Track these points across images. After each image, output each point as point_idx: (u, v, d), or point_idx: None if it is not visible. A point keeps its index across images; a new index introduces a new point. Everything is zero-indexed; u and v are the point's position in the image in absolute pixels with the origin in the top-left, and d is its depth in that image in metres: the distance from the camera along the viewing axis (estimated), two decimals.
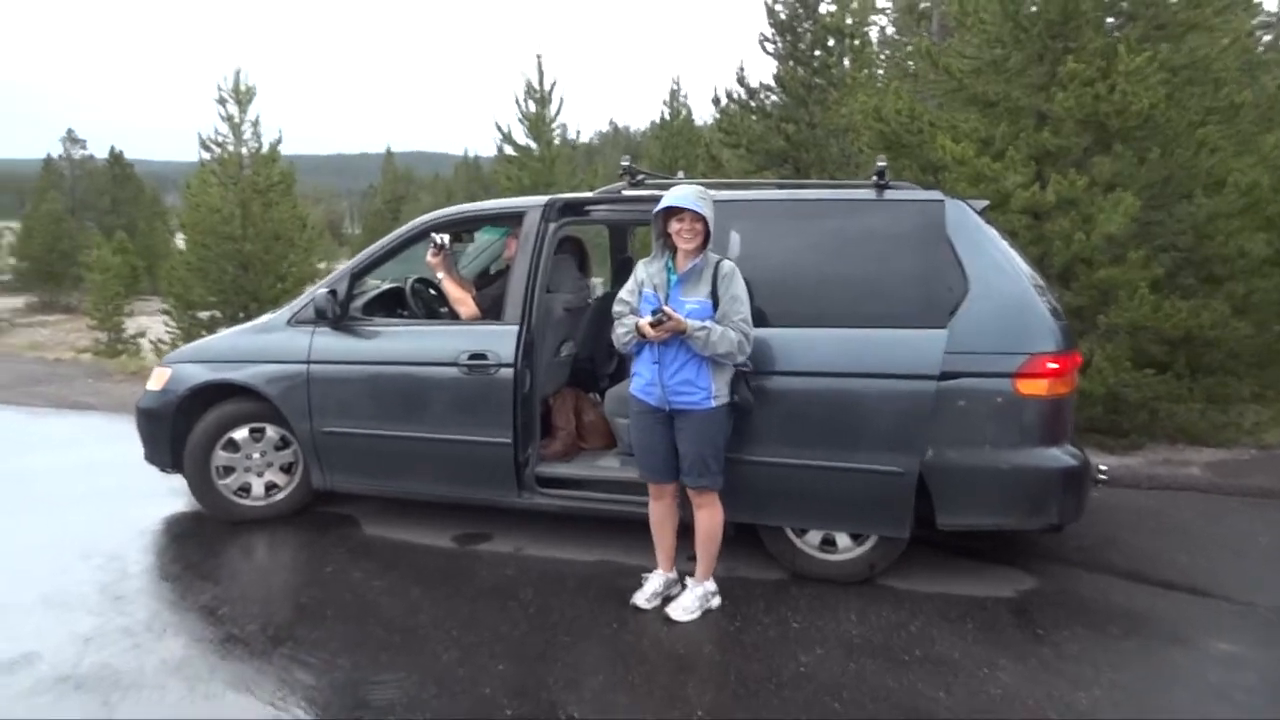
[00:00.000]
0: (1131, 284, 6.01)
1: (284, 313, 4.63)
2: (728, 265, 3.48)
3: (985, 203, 4.07)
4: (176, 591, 3.82)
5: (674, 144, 19.80)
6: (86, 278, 20.85)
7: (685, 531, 3.70)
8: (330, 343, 4.42)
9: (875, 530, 3.82)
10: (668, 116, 19.96)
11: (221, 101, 13.40)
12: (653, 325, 3.32)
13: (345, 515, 4.79)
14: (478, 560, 4.19)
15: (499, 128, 13.62)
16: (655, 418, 3.54)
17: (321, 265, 14.82)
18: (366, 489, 4.53)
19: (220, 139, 13.40)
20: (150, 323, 16.71)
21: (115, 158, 43.63)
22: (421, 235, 4.48)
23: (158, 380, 4.73)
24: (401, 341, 4.36)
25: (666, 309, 3.32)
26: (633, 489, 3.94)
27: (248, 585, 3.93)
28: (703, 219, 3.39)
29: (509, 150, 13.71)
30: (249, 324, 4.86)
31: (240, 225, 13.18)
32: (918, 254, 3.71)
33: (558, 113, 13.52)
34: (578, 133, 14.10)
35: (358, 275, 4.51)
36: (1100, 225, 5.98)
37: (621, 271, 5.28)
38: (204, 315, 13.09)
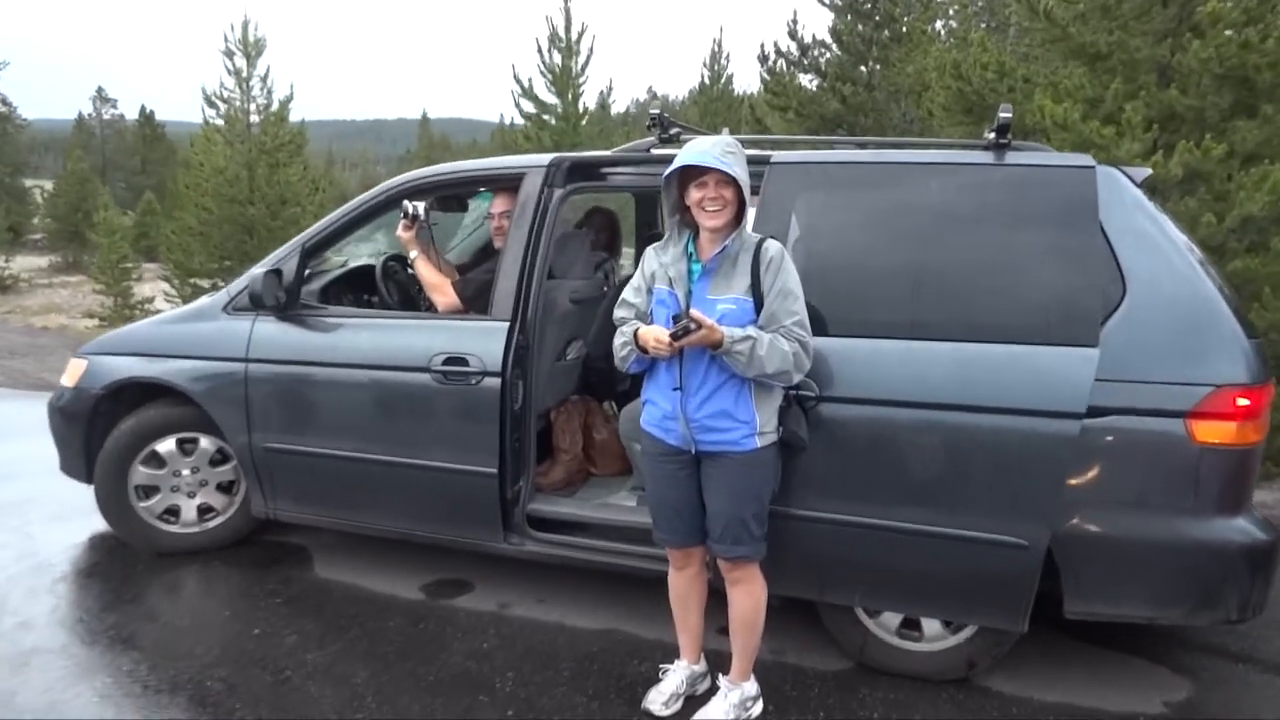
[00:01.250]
0: (1275, 279, 4.89)
1: (220, 296, 3.68)
2: (773, 247, 2.46)
3: (1147, 172, 2.98)
4: (31, 664, 2.92)
5: (713, 109, 18.64)
6: (93, 239, 20.21)
7: (717, 597, 2.73)
8: (274, 336, 3.47)
9: (980, 619, 2.81)
10: (708, 80, 18.75)
11: (229, 54, 12.50)
12: (674, 337, 2.33)
13: (296, 548, 3.87)
14: (450, 623, 3.25)
15: (518, 80, 12.24)
16: (676, 463, 2.56)
17: None
18: (317, 521, 3.60)
19: (227, 94, 12.51)
20: (156, 290, 16.01)
21: (145, 118, 43.07)
22: (392, 203, 3.50)
23: (71, 374, 3.82)
24: (363, 337, 3.40)
25: (693, 313, 2.32)
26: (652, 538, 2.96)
27: (147, 652, 3.01)
28: (734, 182, 2.38)
29: (528, 106, 12.42)
30: (181, 309, 3.91)
31: (246, 188, 12.32)
32: (1058, 241, 2.66)
33: (585, 65, 12.12)
34: (608, 92, 12.65)
35: (311, 251, 3.54)
36: (1240, 205, 4.85)
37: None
38: (205, 283, 12.26)
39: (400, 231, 3.44)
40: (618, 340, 2.54)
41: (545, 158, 3.34)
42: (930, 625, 2.91)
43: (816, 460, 2.70)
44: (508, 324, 3.18)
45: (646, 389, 2.63)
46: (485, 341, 3.18)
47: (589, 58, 12.23)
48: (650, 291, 2.52)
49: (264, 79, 12.60)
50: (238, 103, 12.34)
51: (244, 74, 12.41)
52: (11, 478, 4.66)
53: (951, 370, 2.67)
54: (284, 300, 3.42)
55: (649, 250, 2.62)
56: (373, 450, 3.35)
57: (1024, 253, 2.68)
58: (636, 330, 2.45)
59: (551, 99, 11.97)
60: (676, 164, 2.41)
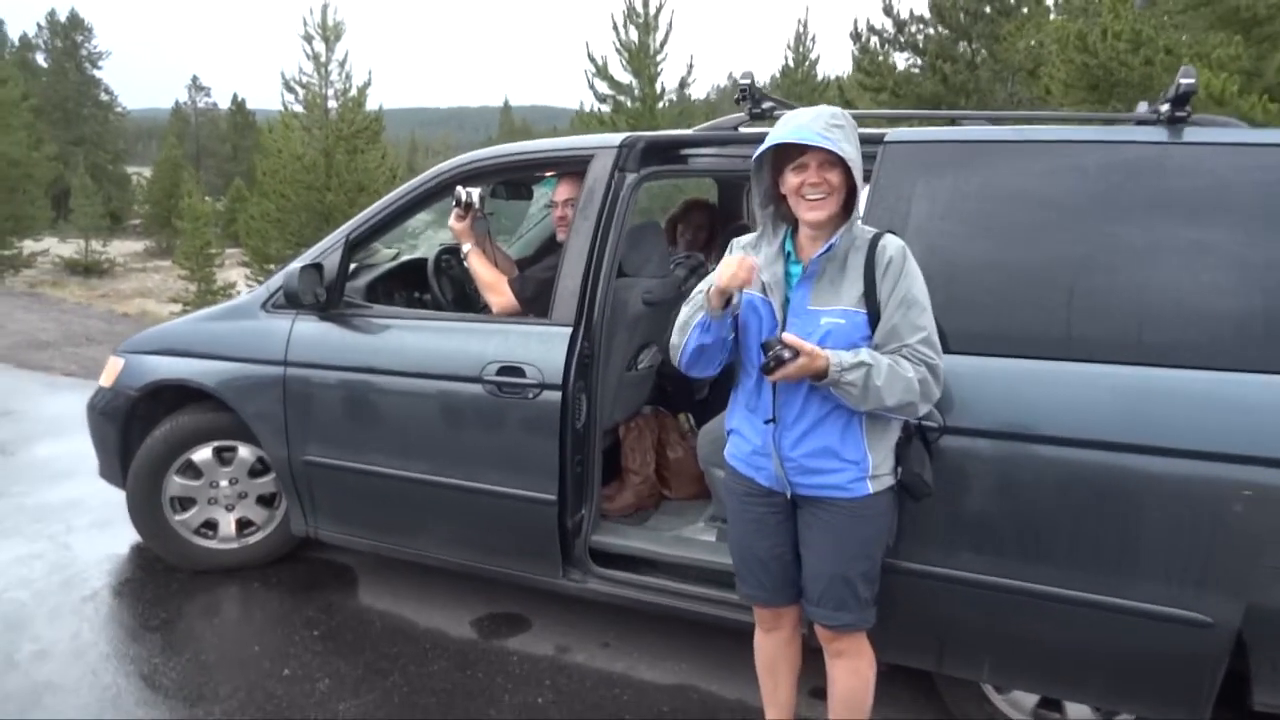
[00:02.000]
0: None
1: (260, 292, 3.36)
2: (892, 244, 1.97)
3: None
4: (43, 702, 2.63)
5: (796, 93, 17.91)
6: (178, 226, 20.65)
7: (814, 657, 2.27)
8: (314, 338, 3.12)
9: (1143, 708, 2.26)
10: (791, 63, 18.00)
11: (307, 39, 12.41)
12: (765, 370, 1.86)
13: (341, 568, 3.54)
14: (501, 670, 2.85)
15: (591, 58, 11.66)
16: (767, 505, 2.09)
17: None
18: (360, 544, 3.25)
19: (305, 80, 12.43)
20: (239, 276, 16.19)
21: (237, 106, 44.25)
22: (444, 190, 3.11)
23: (109, 373, 3.56)
24: (409, 341, 3.01)
25: (787, 337, 1.84)
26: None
27: (166, 694, 2.70)
28: (841, 163, 1.89)
29: (603, 86, 11.85)
30: (221, 305, 3.60)
31: (324, 174, 12.23)
32: (1258, 239, 2.09)
33: (664, 42, 11.45)
34: (689, 72, 11.85)
35: (355, 244, 3.18)
36: None
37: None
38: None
39: (453, 221, 3.05)
40: (678, 323, 2.07)
41: (616, 137, 2.90)
42: (1076, 710, 2.38)
43: (939, 503, 2.20)
44: (570, 329, 2.76)
45: (732, 414, 2.17)
46: (544, 349, 2.76)
47: (668, 34, 11.60)
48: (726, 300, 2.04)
49: (342, 64, 12.51)
50: (316, 88, 12.28)
51: (322, 59, 12.33)
52: (63, 478, 4.47)
53: (1116, 400, 2.13)
54: (325, 298, 3.07)
55: (733, 246, 2.16)
56: (420, 469, 2.98)
57: (1217, 253, 2.11)
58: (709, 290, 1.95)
59: (627, 78, 11.40)
60: (770, 142, 1.93)
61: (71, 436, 5.16)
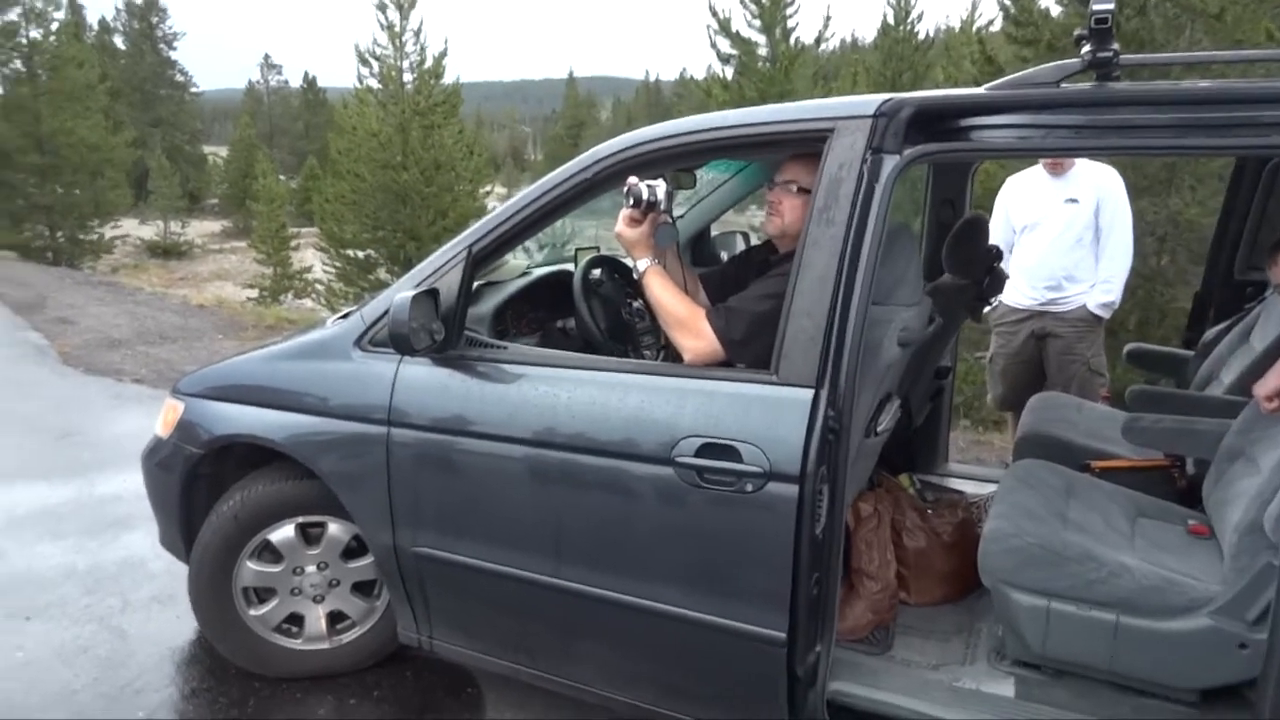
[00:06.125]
0: None
1: (352, 324, 2.51)
2: None
3: None
4: None
5: (898, 53, 16.56)
6: (252, 208, 20.30)
7: None
8: (429, 389, 2.27)
9: None
10: (891, 20, 16.61)
11: (381, 7, 11.63)
12: None
13: (461, 678, 2.72)
14: None
15: (714, 10, 10.15)
16: None
17: (489, 199, 12.98)
18: (493, 665, 2.41)
19: (380, 51, 11.68)
20: (316, 258, 15.67)
21: (309, 84, 44.14)
22: (610, 181, 2.20)
23: (165, 420, 2.79)
24: (565, 398, 2.14)
25: None
26: None
27: None
28: None
29: (724, 45, 10.20)
30: (303, 338, 2.75)
31: (400, 151, 11.49)
32: None
33: None
34: (825, 25, 10.31)
35: (480, 258, 2.31)
36: None
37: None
38: (359, 255, 11.54)
39: (623, 227, 2.14)
40: None
41: (868, 102, 1.95)
42: None
43: None
44: (811, 391, 1.85)
45: None
46: (770, 420, 1.87)
47: None
48: None
49: (417, 33, 11.71)
50: (390, 59, 11.52)
51: (396, 28, 11.55)
52: (121, 528, 3.74)
53: None
54: (442, 335, 2.21)
55: None
56: (575, 576, 2.12)
57: None
58: None
59: (756, 35, 10.16)
60: None
61: (134, 468, 4.46)
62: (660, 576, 2.03)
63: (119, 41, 41.50)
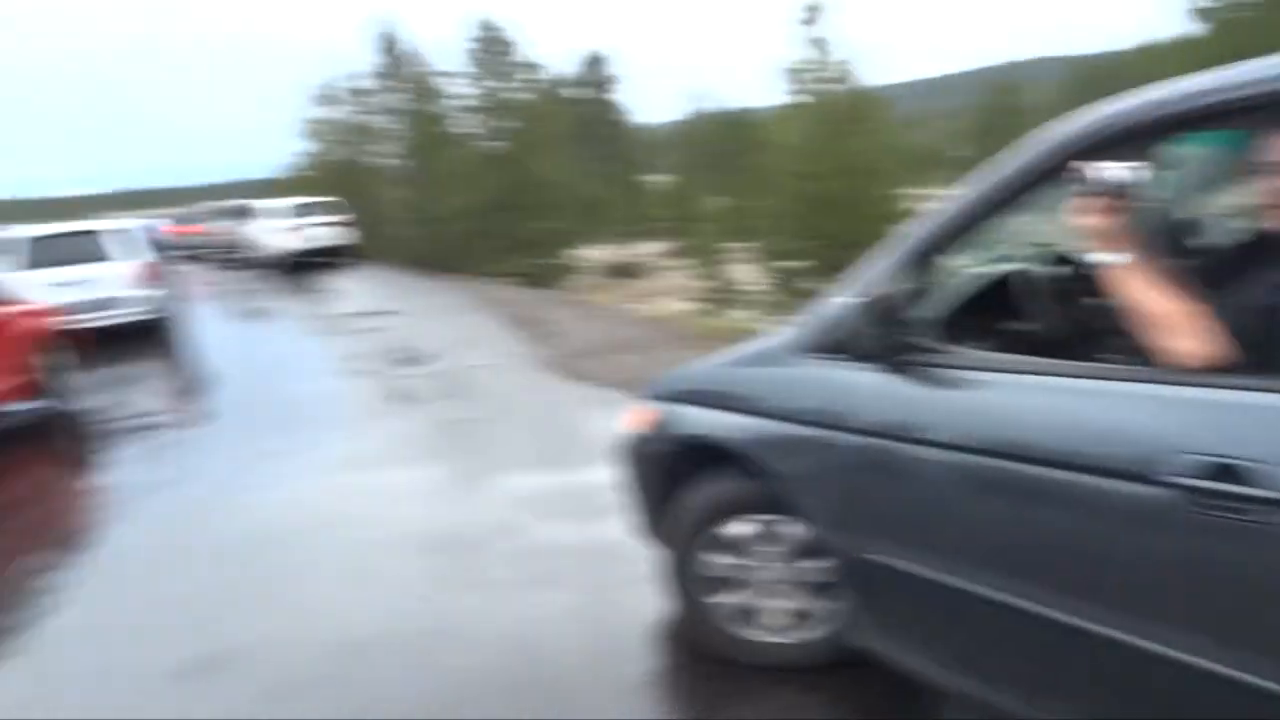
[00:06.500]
0: None
1: (793, 332, 2.62)
2: None
3: None
4: None
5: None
6: (689, 228, 22.04)
7: None
8: (877, 396, 2.28)
9: None
10: None
11: (805, 22, 11.96)
12: None
13: (917, 691, 2.68)
14: None
15: None
16: None
17: (920, 201, 12.58)
18: (949, 684, 2.35)
19: (799, 65, 12.00)
20: (749, 272, 16.64)
21: (733, 110, 46.78)
22: (1058, 168, 2.02)
23: (641, 419, 3.19)
24: (1025, 406, 2.01)
25: None
26: None
27: None
28: None
29: None
30: (751, 346, 2.94)
31: (826, 162, 11.68)
32: None
33: None
34: None
35: (926, 258, 2.27)
36: None
37: None
38: (793, 265, 11.93)
39: (1089, 218, 1.96)
40: None
41: None
42: None
43: None
44: None
45: None
46: None
47: None
48: None
49: (834, 43, 11.82)
50: (813, 71, 11.77)
51: (817, 38, 11.77)
52: (611, 513, 4.29)
53: None
54: (890, 342, 2.22)
55: None
56: (1047, 602, 1.97)
57: None
58: None
59: None
60: None
61: (614, 462, 5.13)
62: (1145, 610, 1.81)
63: (570, 91, 47.83)
